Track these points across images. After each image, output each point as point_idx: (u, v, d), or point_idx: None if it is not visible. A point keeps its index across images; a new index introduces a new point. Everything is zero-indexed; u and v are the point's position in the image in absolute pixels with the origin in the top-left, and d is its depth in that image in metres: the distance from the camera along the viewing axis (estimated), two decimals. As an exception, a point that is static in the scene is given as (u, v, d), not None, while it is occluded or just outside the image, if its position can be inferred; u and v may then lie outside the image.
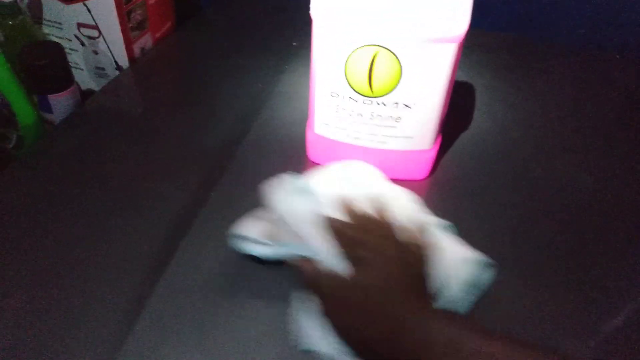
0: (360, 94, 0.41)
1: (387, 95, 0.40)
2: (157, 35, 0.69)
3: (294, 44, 0.65)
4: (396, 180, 0.46)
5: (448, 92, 0.42)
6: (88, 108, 0.56)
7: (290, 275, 0.35)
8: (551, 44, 0.72)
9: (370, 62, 0.39)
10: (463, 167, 0.49)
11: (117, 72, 0.65)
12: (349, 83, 0.40)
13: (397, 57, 0.38)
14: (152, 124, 0.53)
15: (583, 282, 0.39)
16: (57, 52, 0.55)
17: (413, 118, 0.42)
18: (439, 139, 0.47)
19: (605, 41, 0.74)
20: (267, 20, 0.73)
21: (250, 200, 0.43)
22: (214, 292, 0.37)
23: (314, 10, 0.38)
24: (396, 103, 0.41)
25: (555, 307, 0.37)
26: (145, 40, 0.67)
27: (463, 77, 0.62)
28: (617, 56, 0.70)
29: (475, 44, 0.70)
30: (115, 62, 0.65)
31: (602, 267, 0.40)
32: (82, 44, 0.64)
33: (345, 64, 0.39)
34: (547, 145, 0.53)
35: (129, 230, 0.41)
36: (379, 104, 0.41)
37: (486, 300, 0.36)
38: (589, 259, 0.41)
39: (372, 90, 0.40)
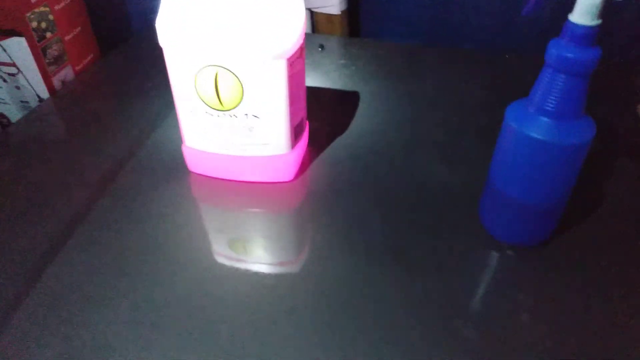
0: (214, 109, 0.46)
1: (237, 108, 0.46)
2: (78, 67, 0.75)
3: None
4: (266, 183, 0.52)
5: (294, 101, 0.47)
6: (7, 136, 0.62)
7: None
8: (445, 49, 0.78)
9: (214, 80, 0.44)
10: (333, 167, 0.54)
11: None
12: (202, 99, 0.46)
13: (235, 75, 0.44)
14: (61, 148, 0.59)
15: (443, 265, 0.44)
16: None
17: (264, 127, 0.47)
18: (302, 144, 0.52)
19: (497, 44, 0.81)
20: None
21: (134, 211, 0.48)
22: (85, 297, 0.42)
23: (161, 40, 0.44)
24: (246, 114, 0.46)
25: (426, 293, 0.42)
26: (66, 73, 0.73)
27: (351, 87, 0.68)
28: (507, 56, 0.76)
29: (370, 54, 0.76)
30: (37, 95, 0.71)
31: (452, 248, 0.45)
32: (4, 80, 0.70)
33: (195, 83, 0.45)
34: (413, 142, 0.58)
35: (27, 232, 0.46)
36: (231, 116, 0.46)
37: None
38: (444, 241, 0.46)
39: (222, 105, 0.46)
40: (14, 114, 0.74)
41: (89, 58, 0.77)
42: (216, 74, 0.44)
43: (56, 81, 0.71)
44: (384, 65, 0.74)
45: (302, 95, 0.49)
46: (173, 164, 0.54)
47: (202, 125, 0.48)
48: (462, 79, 0.71)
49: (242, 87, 0.44)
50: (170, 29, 0.43)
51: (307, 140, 0.54)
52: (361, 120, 0.62)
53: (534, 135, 0.39)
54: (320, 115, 0.60)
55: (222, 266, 0.44)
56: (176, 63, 0.45)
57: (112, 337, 0.38)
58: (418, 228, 0.47)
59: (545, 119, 0.38)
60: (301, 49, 0.46)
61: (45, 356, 0.37)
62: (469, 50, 0.80)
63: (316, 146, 0.56)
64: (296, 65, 0.46)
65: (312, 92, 0.54)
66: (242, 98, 0.45)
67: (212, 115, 0.47)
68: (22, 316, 0.39)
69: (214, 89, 0.45)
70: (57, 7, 0.69)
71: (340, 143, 0.58)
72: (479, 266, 0.44)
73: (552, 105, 0.38)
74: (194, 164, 0.52)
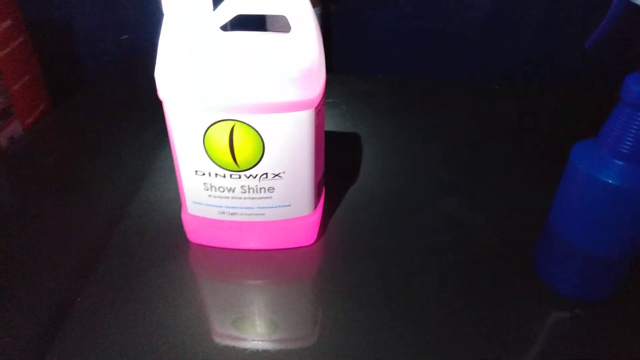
0: (227, 169, 0.39)
1: (254, 168, 0.39)
2: (29, 120, 0.65)
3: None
4: (284, 250, 0.44)
5: (318, 155, 0.41)
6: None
7: None
8: (432, 82, 0.75)
9: (228, 136, 0.37)
10: (353, 222, 0.48)
11: (-18, 167, 0.59)
12: (211, 159, 0.38)
13: (254, 129, 0.37)
14: (19, 217, 0.48)
15: (485, 326, 0.38)
16: None
17: (286, 187, 0.40)
18: (321, 201, 0.46)
19: (481, 74, 0.79)
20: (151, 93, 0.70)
21: (125, 297, 0.39)
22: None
23: (162, 92, 0.36)
24: (265, 174, 0.39)
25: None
26: (14, 128, 0.62)
27: (348, 127, 0.63)
28: (496, 87, 0.74)
29: (360, 91, 0.71)
30: (-20, 156, 0.59)
31: (499, 307, 0.39)
32: (-63, 142, 0.58)
33: (204, 141, 0.37)
34: (434, 186, 0.53)
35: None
36: (247, 177, 0.39)
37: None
38: (489, 300, 0.40)
39: (237, 165, 0.38)
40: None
41: (39, 109, 0.67)
42: (231, 129, 0.37)
43: (3, 139, 0.60)
44: (375, 102, 0.69)
45: (323, 147, 0.43)
46: (167, 236, 0.45)
47: (210, 189, 0.40)
48: (458, 113, 0.67)
49: (263, 143, 0.37)
50: (174, 78, 0.35)
51: (324, 197, 0.47)
52: (371, 164, 0.56)
53: (607, 179, 0.34)
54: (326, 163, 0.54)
55: (232, 349, 0.36)
56: (181, 118, 0.37)
57: None
58: (457, 287, 0.41)
59: (620, 162, 0.34)
60: (324, 94, 0.40)
61: None
62: (456, 83, 0.77)
63: (331, 201, 0.50)
64: (321, 113, 0.39)
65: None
66: (261, 155, 0.38)
67: (223, 177, 0.39)
68: None
69: (228, 147, 0.37)
70: (2, 53, 0.59)
71: (355, 194, 0.52)
72: (544, 329, 0.38)
73: (628, 147, 0.34)
74: (196, 234, 0.44)
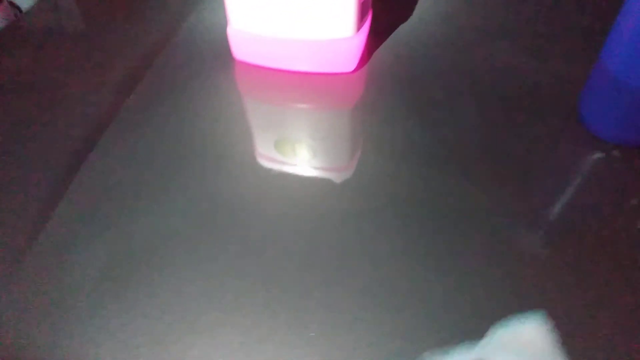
0: (268, -21, 0.39)
1: (294, -22, 0.38)
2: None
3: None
4: (324, 75, 0.45)
5: (364, -29, 0.39)
6: (19, 30, 0.55)
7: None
8: None
9: (270, -61, 0.36)
10: (400, 56, 0.47)
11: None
12: (253, -33, 0.38)
13: None
14: (83, 39, 0.52)
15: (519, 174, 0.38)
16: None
17: (325, 3, 0.39)
18: (366, 27, 0.45)
19: None
20: None
21: (171, 104, 0.42)
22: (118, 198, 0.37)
23: None
24: (305, -14, 0.38)
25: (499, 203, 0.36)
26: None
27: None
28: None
29: None
30: (50, -24, 0.62)
31: (537, 145, 0.39)
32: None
33: (246, -55, 0.37)
34: (490, 31, 0.50)
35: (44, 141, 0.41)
36: (287, -11, 0.39)
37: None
38: (531, 142, 0.39)
39: (277, -26, 0.38)
40: (25, 1, 0.66)
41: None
42: None
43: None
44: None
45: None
46: (216, 50, 0.47)
47: (252, 2, 0.40)
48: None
49: (305, -51, 0.36)
50: None
51: (369, 27, 0.46)
52: (427, 5, 0.53)
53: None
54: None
55: (268, 170, 0.38)
56: None
57: (155, 240, 0.33)
58: (498, 127, 0.41)
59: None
60: None
61: (85, 260, 0.32)
62: None
63: (376, 34, 0.49)
64: None
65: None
66: (303, -36, 0.37)
67: (265, -13, 0.39)
68: (53, 225, 0.35)
69: (270, -48, 0.37)
70: None
71: (404, 31, 0.50)
72: (579, 169, 0.38)
73: None
74: (240, 49, 0.45)
